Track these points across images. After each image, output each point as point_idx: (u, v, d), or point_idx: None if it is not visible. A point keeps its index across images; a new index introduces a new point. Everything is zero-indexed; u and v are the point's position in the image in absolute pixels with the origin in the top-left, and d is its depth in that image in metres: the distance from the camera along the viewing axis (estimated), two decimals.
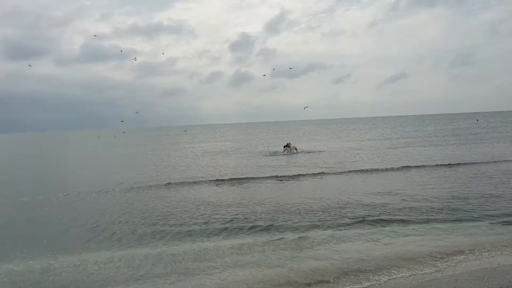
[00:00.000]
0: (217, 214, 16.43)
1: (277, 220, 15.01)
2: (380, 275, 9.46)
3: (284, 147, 43.61)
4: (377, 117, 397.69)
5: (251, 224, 14.50)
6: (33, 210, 19.19)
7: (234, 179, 25.61)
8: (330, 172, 26.91)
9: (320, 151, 43.27)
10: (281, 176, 25.97)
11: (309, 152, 42.28)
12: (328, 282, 9.26)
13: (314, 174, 26.30)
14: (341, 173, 26.56)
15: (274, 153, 43.50)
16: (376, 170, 27.09)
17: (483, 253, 10.66)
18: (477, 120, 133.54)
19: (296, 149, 43.36)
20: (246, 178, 25.90)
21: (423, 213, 15.28)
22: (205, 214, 16.54)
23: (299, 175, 26.10)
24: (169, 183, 24.80)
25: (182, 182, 25.20)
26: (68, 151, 69.18)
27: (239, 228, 14.10)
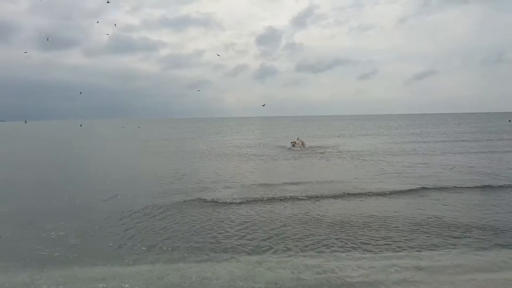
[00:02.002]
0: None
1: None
2: None
3: (291, 142, 44.07)
4: (403, 114, 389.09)
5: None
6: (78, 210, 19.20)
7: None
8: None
9: (330, 149, 41.14)
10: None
11: (321, 153, 37.57)
12: None
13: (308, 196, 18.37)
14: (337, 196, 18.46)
15: (281, 147, 44.36)
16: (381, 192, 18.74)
17: None
18: (509, 120, 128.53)
19: (303, 145, 43.21)
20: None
21: None
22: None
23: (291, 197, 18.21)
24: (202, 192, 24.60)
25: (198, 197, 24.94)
26: (98, 142, 70.27)
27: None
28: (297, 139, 44.99)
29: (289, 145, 44.08)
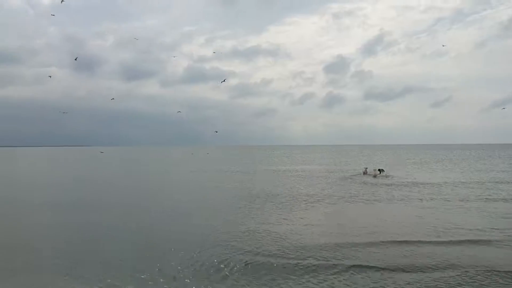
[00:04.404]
0: None
1: None
2: None
3: (364, 170, 46.92)
4: (479, 144, 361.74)
5: None
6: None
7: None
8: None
9: (414, 182, 38.32)
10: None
11: (402, 184, 35.95)
12: None
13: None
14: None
15: (351, 177, 43.60)
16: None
17: None
18: None
19: (380, 171, 44.34)
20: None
21: None
22: None
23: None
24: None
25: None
26: (172, 167, 73.35)
27: None
28: (375, 169, 45.63)
29: (365, 172, 46.07)
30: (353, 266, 12.47)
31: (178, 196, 29.99)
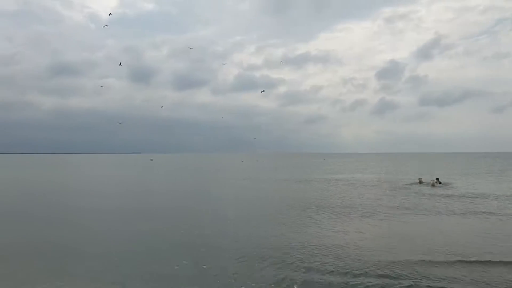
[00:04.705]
0: None
1: None
2: None
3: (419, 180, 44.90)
4: None
5: None
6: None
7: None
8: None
9: (477, 193, 35.60)
10: None
11: (464, 196, 33.62)
12: None
13: None
14: None
15: (407, 187, 41.76)
16: None
17: None
18: None
19: (437, 181, 42.48)
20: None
21: None
22: None
23: None
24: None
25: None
26: (223, 174, 74.62)
27: None
28: (433, 179, 43.70)
29: (420, 181, 44.11)
30: (415, 286, 11.83)
31: (228, 206, 30.27)
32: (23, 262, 14.73)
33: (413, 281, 12.12)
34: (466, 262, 14.14)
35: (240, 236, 18.83)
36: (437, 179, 43.14)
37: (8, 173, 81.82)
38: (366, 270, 13.27)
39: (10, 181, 59.21)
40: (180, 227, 21.15)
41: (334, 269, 13.43)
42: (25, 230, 20.65)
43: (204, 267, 13.80)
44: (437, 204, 28.99)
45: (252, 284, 12.18)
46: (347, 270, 13.29)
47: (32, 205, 30.60)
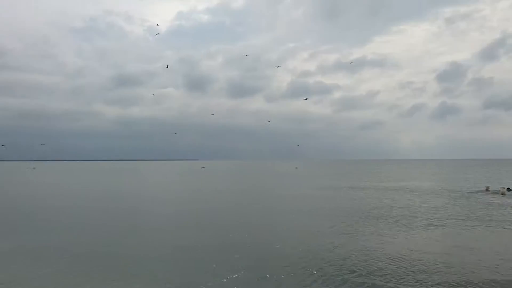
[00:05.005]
0: None
1: None
2: None
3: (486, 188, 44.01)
4: None
5: None
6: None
7: None
8: None
9: None
10: None
11: None
12: None
13: None
14: None
15: (472, 195, 39.58)
16: None
17: None
18: None
19: (508, 190, 40.82)
20: None
21: None
22: None
23: None
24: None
25: None
26: (278, 181, 74.74)
27: None
28: (503, 187, 41.55)
29: (487, 190, 42.90)
30: None
31: (285, 213, 30.39)
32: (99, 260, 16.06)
33: None
34: None
35: (304, 245, 18.79)
36: (508, 188, 40.55)
37: (77, 178, 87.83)
38: (433, 282, 12.97)
39: (80, 186, 63.52)
40: (239, 234, 21.67)
41: (396, 279, 13.27)
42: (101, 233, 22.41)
43: (267, 276, 13.99)
44: (509, 215, 27.31)
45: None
46: (412, 282, 13.01)
47: (108, 209, 32.85)
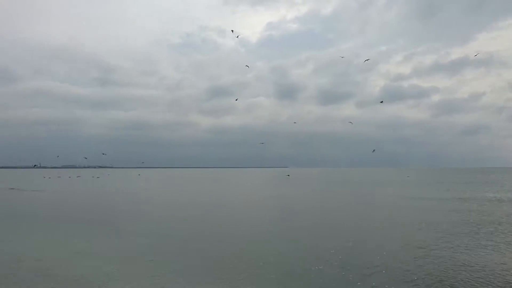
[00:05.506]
0: None
1: None
2: None
3: None
4: None
5: None
6: None
7: None
8: None
9: None
10: None
11: None
12: None
13: None
14: None
15: None
16: None
17: None
18: None
19: None
20: None
21: None
22: None
23: None
24: None
25: None
26: (375, 190, 71.52)
27: None
28: None
29: None
30: None
31: (383, 224, 28.31)
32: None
33: None
34: None
35: (417, 258, 17.29)
36: None
37: (175, 185, 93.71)
38: None
39: (183, 192, 67.42)
40: (340, 244, 20.59)
41: None
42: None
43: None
44: None
45: None
46: None
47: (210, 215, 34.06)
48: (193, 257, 17.81)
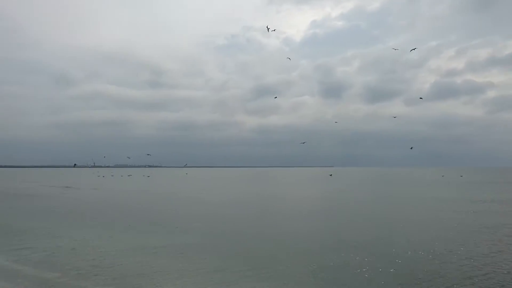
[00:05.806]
0: None
1: None
2: None
3: None
4: None
5: None
6: None
7: None
8: None
9: None
10: None
11: None
12: None
13: None
14: None
15: None
16: None
17: None
18: None
19: None
20: None
21: None
22: None
23: None
24: None
25: None
26: (424, 192, 69.20)
27: None
28: None
29: None
30: None
31: (432, 230, 27.49)
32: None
33: None
34: None
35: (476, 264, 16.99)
36: None
37: (221, 184, 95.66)
38: None
39: (221, 191, 68.77)
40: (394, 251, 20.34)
41: None
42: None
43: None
44: None
45: None
46: None
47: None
48: (244, 255, 18.34)
